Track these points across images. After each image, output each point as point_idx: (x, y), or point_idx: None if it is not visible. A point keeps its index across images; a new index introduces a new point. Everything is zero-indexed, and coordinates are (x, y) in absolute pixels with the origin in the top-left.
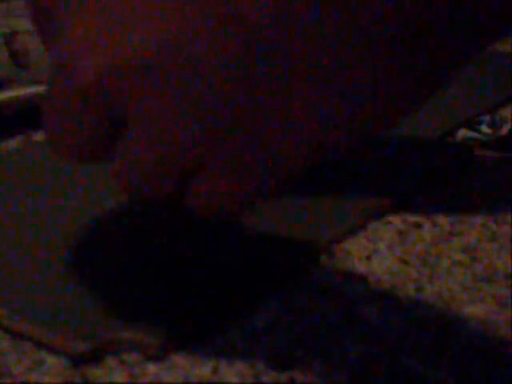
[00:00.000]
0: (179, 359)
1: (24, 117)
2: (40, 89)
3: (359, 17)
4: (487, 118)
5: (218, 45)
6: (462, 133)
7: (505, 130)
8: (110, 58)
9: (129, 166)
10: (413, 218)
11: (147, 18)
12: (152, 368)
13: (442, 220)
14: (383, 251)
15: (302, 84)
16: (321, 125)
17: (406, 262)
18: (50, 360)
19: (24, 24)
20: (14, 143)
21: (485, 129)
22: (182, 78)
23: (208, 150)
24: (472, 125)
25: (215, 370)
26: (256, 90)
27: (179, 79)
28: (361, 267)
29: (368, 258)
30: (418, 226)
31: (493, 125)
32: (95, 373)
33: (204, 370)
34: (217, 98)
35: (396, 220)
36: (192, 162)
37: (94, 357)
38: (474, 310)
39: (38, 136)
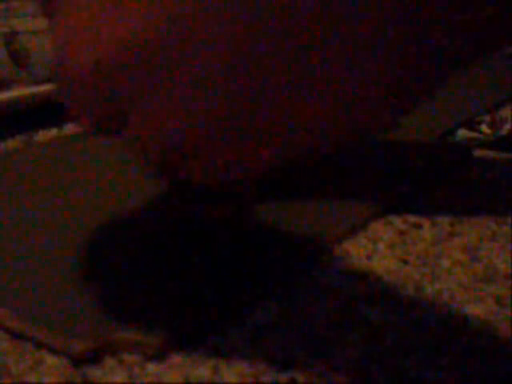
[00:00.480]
0: (179, 359)
1: (24, 117)
2: (40, 89)
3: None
4: (487, 117)
5: (220, 34)
6: (462, 133)
7: (505, 130)
8: (102, 49)
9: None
10: (413, 218)
11: (144, 5)
12: (152, 368)
13: (442, 220)
14: (383, 251)
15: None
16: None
17: (405, 262)
18: (50, 360)
19: (24, 24)
20: (14, 143)
21: (485, 129)
22: (183, 64)
23: (209, 137)
24: (472, 125)
25: (215, 370)
26: (262, 82)
27: (179, 66)
28: (361, 267)
29: (368, 257)
30: (418, 226)
31: (493, 125)
32: (95, 373)
33: (204, 370)
34: (219, 88)
35: (396, 220)
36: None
37: (94, 357)
38: (474, 310)
39: (38, 136)
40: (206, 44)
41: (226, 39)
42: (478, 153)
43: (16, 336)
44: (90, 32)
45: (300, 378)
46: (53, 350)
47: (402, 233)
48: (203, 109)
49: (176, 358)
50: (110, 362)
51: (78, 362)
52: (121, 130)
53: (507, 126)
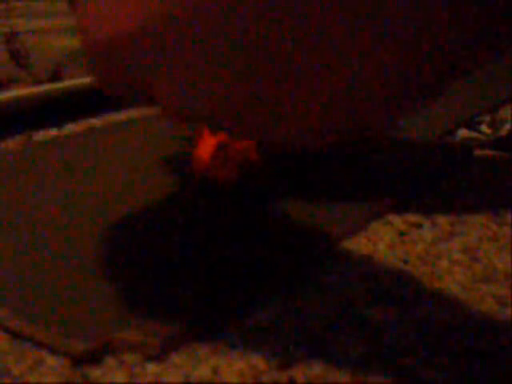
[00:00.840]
0: (179, 359)
1: (24, 117)
2: (40, 89)
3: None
4: (487, 117)
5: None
6: (462, 133)
7: (505, 130)
8: (118, 25)
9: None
10: (413, 218)
11: None
12: (152, 368)
13: (442, 220)
14: (383, 251)
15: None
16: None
17: (405, 262)
18: (50, 360)
19: (24, 24)
20: (14, 143)
21: (485, 129)
22: (202, 36)
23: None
24: (472, 125)
25: (215, 370)
26: (282, 57)
27: (199, 38)
28: (361, 267)
29: (368, 257)
30: (418, 226)
31: (493, 125)
32: (95, 373)
33: (204, 370)
34: (241, 60)
35: (396, 220)
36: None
37: (94, 357)
38: (474, 310)
39: (38, 136)
40: (227, 17)
41: (247, 15)
42: (478, 153)
43: (16, 336)
44: (112, 6)
45: (300, 377)
46: (53, 350)
47: (401, 233)
48: (221, 81)
49: (176, 358)
50: (110, 361)
51: (78, 361)
52: (145, 96)
53: (507, 126)
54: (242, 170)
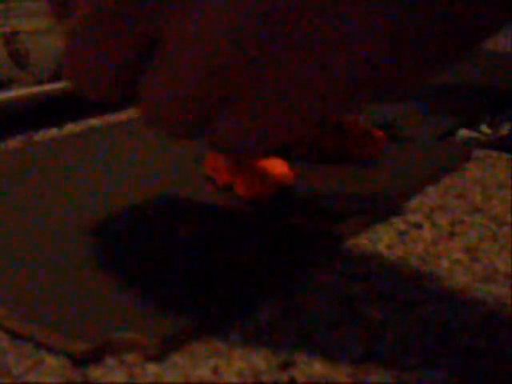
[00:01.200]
0: (179, 359)
1: (24, 117)
2: (40, 89)
3: None
4: (487, 118)
5: None
6: (462, 133)
7: (505, 130)
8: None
9: (159, 92)
10: (413, 218)
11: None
12: (152, 368)
13: (442, 220)
14: (383, 251)
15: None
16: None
17: (406, 262)
18: (50, 360)
19: (24, 24)
20: (14, 143)
21: (485, 129)
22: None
23: (241, 76)
24: (472, 125)
25: (215, 370)
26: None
27: None
28: (361, 267)
29: (368, 257)
30: (418, 226)
31: (493, 125)
32: (95, 373)
33: (204, 370)
34: (254, 19)
35: (396, 220)
36: (223, 89)
37: (94, 357)
38: (474, 310)
39: (38, 136)
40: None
41: None
42: (478, 153)
43: (16, 336)
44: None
45: (300, 377)
46: (53, 350)
47: (401, 233)
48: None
49: (176, 358)
50: (110, 361)
51: (78, 361)
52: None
53: (507, 126)
54: (274, 186)
